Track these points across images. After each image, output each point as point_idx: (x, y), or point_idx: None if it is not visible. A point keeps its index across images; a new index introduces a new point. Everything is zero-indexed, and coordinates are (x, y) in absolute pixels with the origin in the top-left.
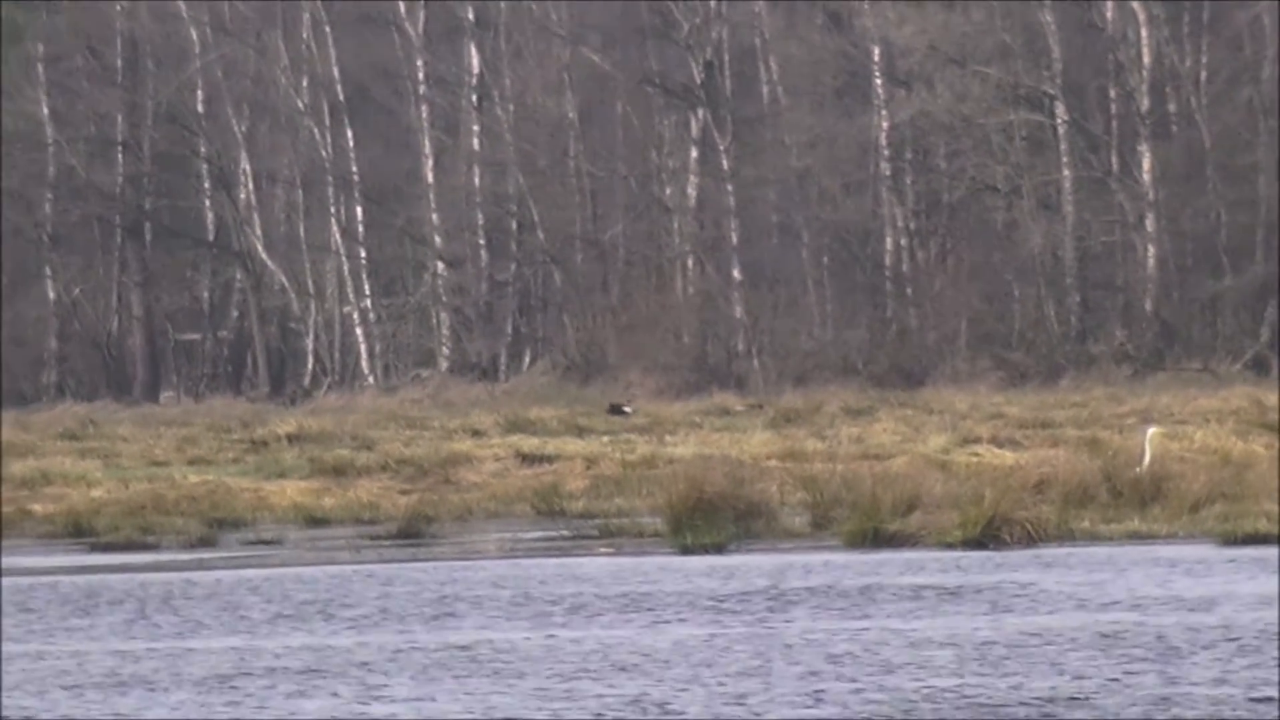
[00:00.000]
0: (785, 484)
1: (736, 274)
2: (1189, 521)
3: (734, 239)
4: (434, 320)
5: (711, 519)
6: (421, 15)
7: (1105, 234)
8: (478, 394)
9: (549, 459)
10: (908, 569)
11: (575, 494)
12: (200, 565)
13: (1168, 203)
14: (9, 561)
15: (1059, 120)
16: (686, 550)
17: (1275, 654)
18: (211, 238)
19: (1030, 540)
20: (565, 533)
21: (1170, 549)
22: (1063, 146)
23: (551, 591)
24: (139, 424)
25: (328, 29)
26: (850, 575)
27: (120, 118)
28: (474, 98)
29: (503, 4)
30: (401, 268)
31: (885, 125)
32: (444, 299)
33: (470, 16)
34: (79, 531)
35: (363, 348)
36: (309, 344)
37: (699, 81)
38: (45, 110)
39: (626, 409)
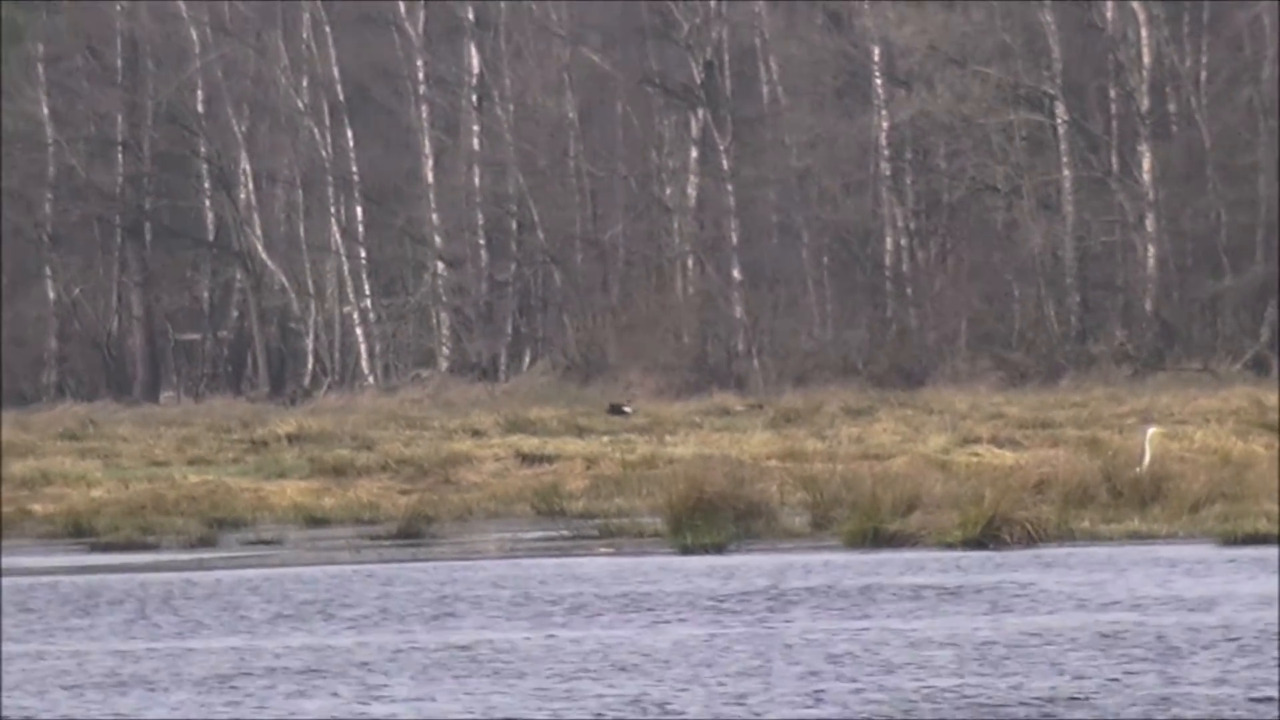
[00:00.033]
0: (785, 484)
1: (736, 274)
2: (1189, 521)
3: (734, 239)
4: (434, 320)
5: (711, 519)
6: (421, 15)
7: (1105, 234)
8: (478, 394)
9: (549, 459)
10: (908, 569)
11: (575, 494)
12: (200, 565)
13: (1168, 203)
14: (9, 561)
15: (1059, 120)
16: (686, 550)
17: (1275, 654)
18: (211, 238)
19: (1030, 540)
20: (565, 533)
21: (1170, 549)
22: (1063, 146)
23: (551, 591)
24: (139, 424)
25: (328, 29)
26: (850, 575)
27: (120, 118)
28: (474, 98)
29: (502, 4)
30: (401, 268)
31: (885, 125)
32: (444, 299)
33: (470, 16)
34: (79, 531)
35: (363, 348)
36: (309, 344)
37: (699, 81)
38: (45, 110)
39: (626, 409)
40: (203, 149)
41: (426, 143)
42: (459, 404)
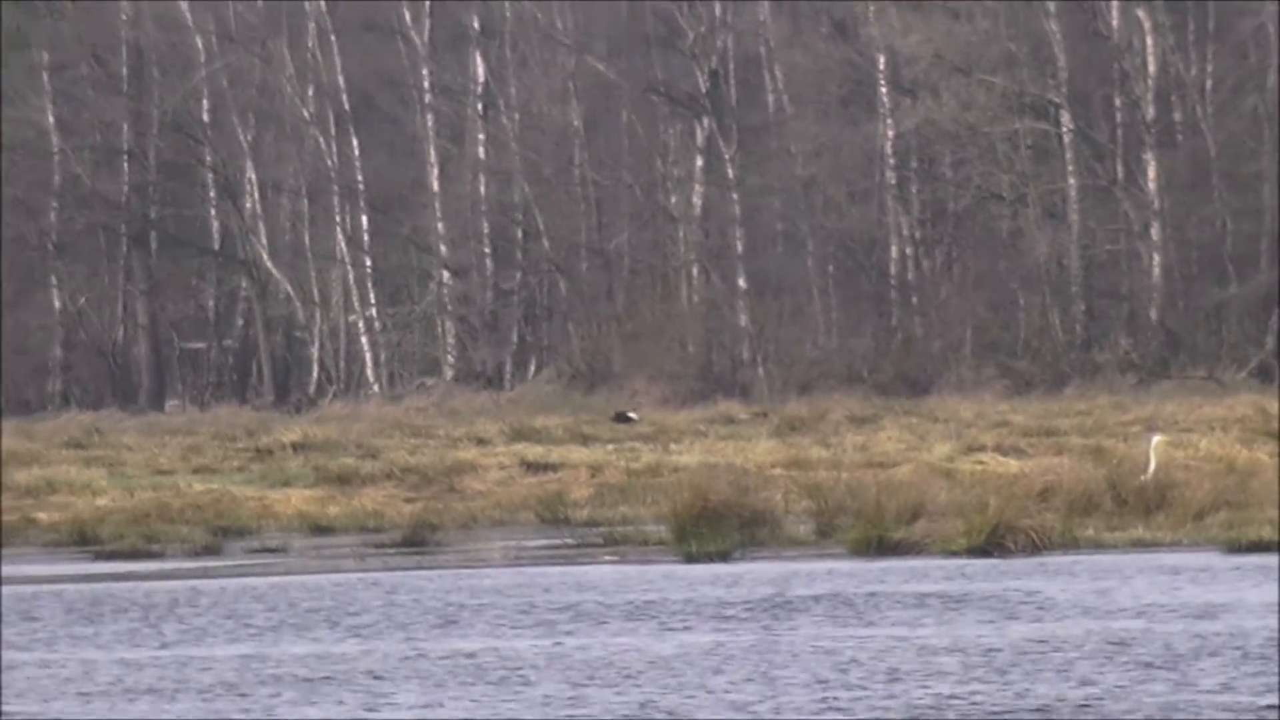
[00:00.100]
0: (790, 492)
1: (741, 282)
2: (1193, 529)
3: (739, 247)
4: (439, 329)
5: (716, 527)
6: (427, 24)
7: (1110, 242)
8: (483, 402)
9: (554, 467)
10: (912, 577)
11: (580, 502)
12: (205, 573)
13: (1173, 211)
14: (14, 570)
15: (1064, 129)
16: (691, 558)
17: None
18: (217, 246)
19: (1035, 548)
20: (570, 541)
21: (1175, 557)
22: (1068, 155)
23: (556, 599)
24: (144, 432)
25: (333, 37)
26: (855, 583)
27: (126, 126)
28: (479, 106)
29: (508, 12)
30: (407, 276)
31: (890, 134)
32: (449, 307)
33: (475, 25)
34: (84, 540)
35: (368, 356)
36: (314, 352)
37: (704, 90)
38: (50, 119)
39: (632, 415)
40: (208, 157)
41: (432, 151)
42: (464, 412)
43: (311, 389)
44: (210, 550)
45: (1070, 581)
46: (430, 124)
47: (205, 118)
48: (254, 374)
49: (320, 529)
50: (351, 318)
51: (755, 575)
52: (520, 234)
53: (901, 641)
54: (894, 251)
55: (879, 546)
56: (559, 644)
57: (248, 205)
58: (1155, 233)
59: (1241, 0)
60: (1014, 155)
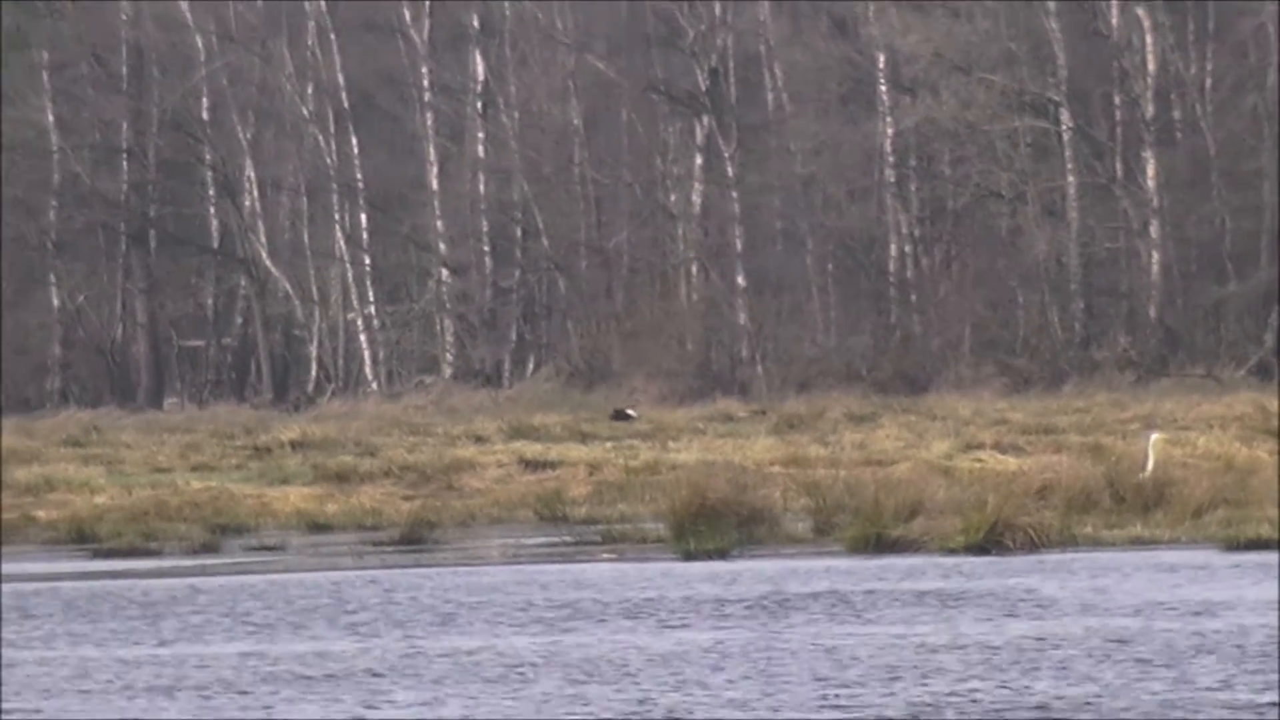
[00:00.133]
0: (788, 490)
1: (741, 280)
2: (1192, 527)
3: (738, 245)
4: (438, 327)
5: (714, 525)
6: (426, 22)
7: (1109, 240)
8: (481, 400)
9: (552, 465)
10: (910, 575)
11: (578, 500)
12: (203, 571)
13: (1172, 209)
14: (13, 568)
15: (1064, 127)
16: (689, 556)
17: (1278, 659)
18: (216, 245)
19: (1033, 546)
20: (568, 539)
21: (1173, 554)
22: (1067, 153)
23: (554, 597)
24: (142, 430)
25: (333, 36)
26: (853, 581)
27: (125, 125)
28: (479, 105)
29: (507, 11)
30: (406, 274)
31: (890, 132)
32: (448, 306)
33: (475, 23)
34: (82, 538)
35: (366, 354)
36: (313, 350)
37: (704, 88)
38: (50, 117)
39: (630, 412)
40: (207, 156)
41: (431, 150)
42: (462, 410)
43: (310, 387)
44: (208, 548)
45: (1069, 579)
46: (430, 122)
47: (205, 116)
48: (253, 372)
49: (318, 527)
50: (350, 316)
51: (753, 573)
52: (519, 232)
53: (900, 639)
54: (893, 249)
55: (877, 544)
56: (556, 642)
57: (247, 204)
58: (1154, 231)
59: (1241, 0)
60: (1013, 153)
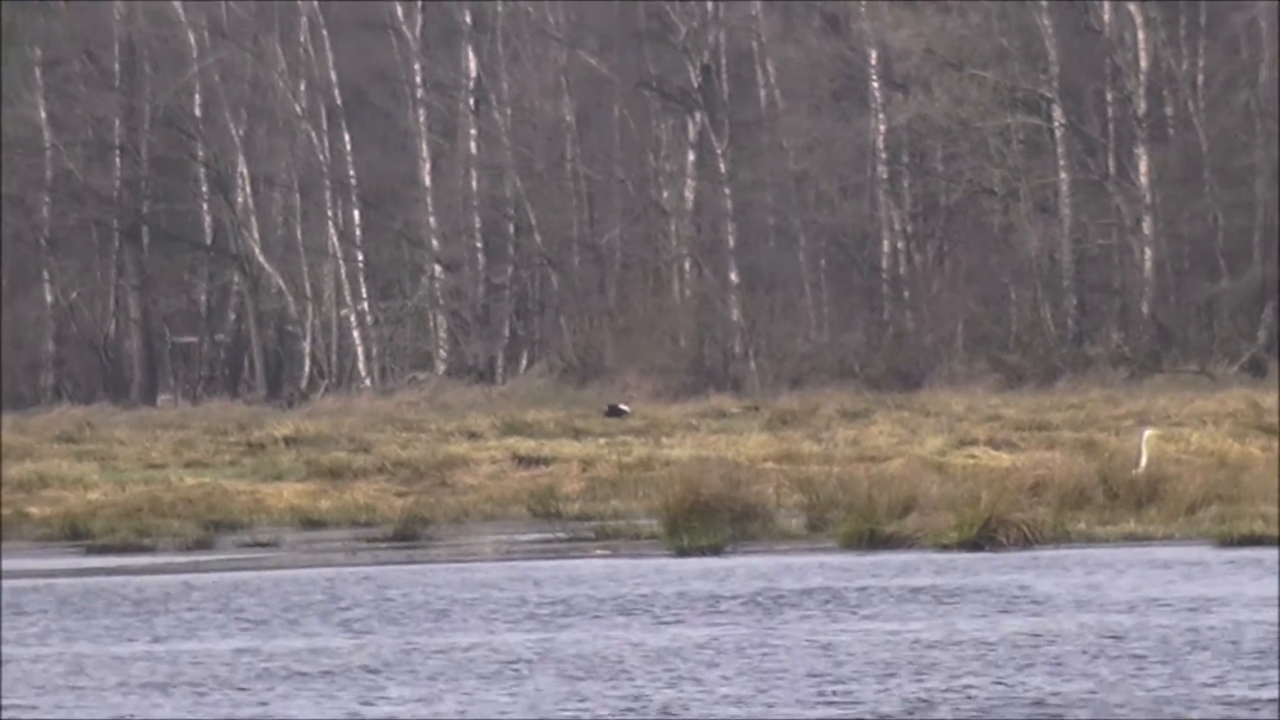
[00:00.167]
0: (781, 486)
1: (733, 277)
2: (1185, 523)
3: (731, 242)
4: (431, 323)
5: (708, 521)
6: (419, 18)
7: (1102, 237)
8: (475, 396)
9: (545, 461)
10: (904, 571)
11: (572, 496)
12: (197, 568)
13: (1165, 205)
14: (6, 564)
15: (1056, 123)
16: (683, 552)
17: (1274, 655)
18: (209, 241)
19: (1026, 542)
20: (562, 535)
21: (1167, 551)
22: (1060, 149)
23: (548, 594)
24: (136, 427)
25: (325, 32)
26: (846, 577)
27: (118, 121)
28: (471, 101)
29: (500, 7)
30: (399, 271)
31: (882, 128)
32: (441, 302)
33: (468, 20)
34: (76, 534)
35: (360, 350)
36: (306, 347)
37: (696, 85)
38: (43, 114)
39: (624, 407)
40: (200, 153)
41: (424, 146)
42: (456, 406)
43: (303, 383)
44: (202, 544)
45: (1062, 575)
46: (422, 119)
47: (197, 113)
48: (246, 368)
49: (312, 523)
50: (343, 312)
51: (747, 569)
52: (512, 228)
53: (894, 635)
54: (885, 246)
55: (870, 540)
56: (549, 638)
57: (240, 200)
58: (1147, 227)
59: None
60: (1006, 150)
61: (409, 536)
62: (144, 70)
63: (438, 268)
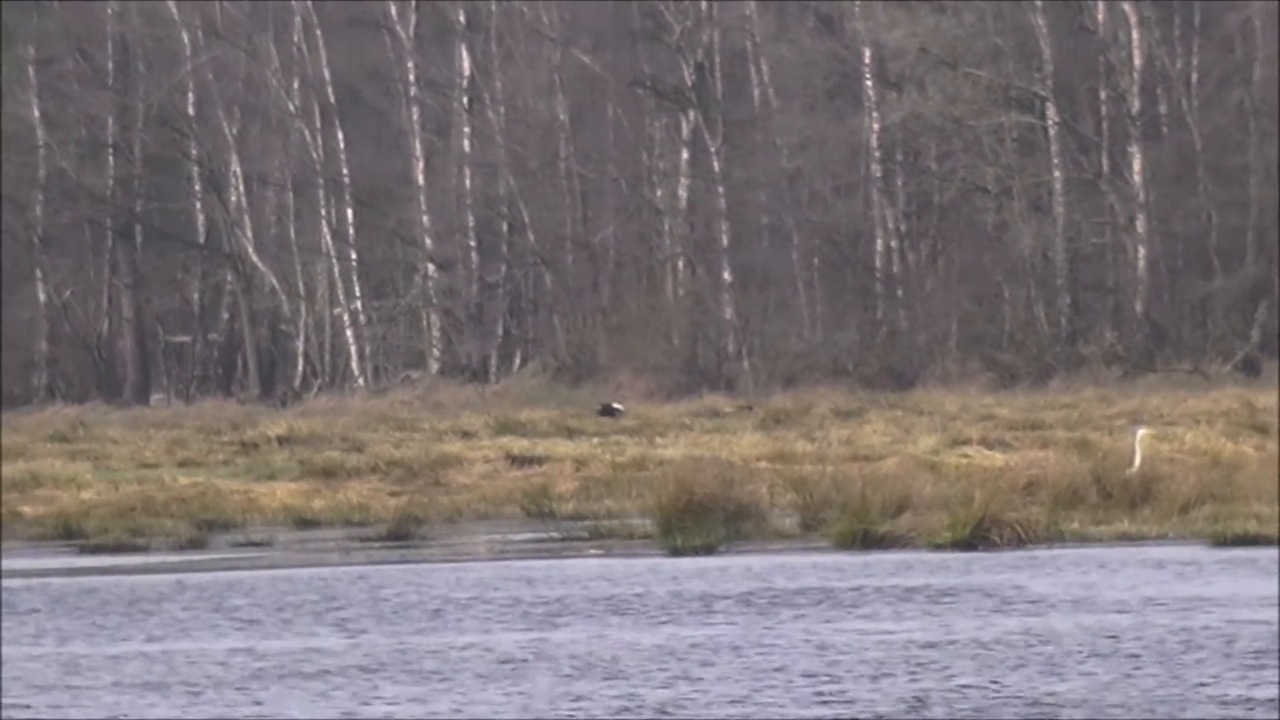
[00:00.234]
0: (775, 485)
1: (727, 276)
2: (1179, 523)
3: (725, 241)
4: (424, 322)
5: (701, 520)
6: (412, 18)
7: (1096, 235)
8: (468, 395)
9: (539, 460)
10: (897, 570)
11: (565, 496)
12: (190, 567)
13: (1158, 204)
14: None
15: (1050, 122)
16: (676, 552)
17: (1269, 655)
18: (202, 240)
19: (1020, 542)
20: (555, 534)
21: (1160, 550)
22: (1053, 148)
23: (541, 593)
24: (129, 426)
25: (318, 31)
26: (840, 577)
27: (111, 120)
28: (465, 100)
29: (494, 6)
30: (392, 270)
31: (876, 127)
32: (434, 301)
33: (461, 19)
34: (69, 533)
35: (353, 350)
36: (299, 346)
37: (690, 84)
38: (36, 113)
39: (617, 406)
40: (194, 151)
41: (417, 145)
42: (449, 406)
43: (296, 382)
44: (195, 544)
45: (1056, 575)
46: (415, 117)
47: (190, 111)
48: (239, 367)
49: (305, 522)
50: (336, 311)
51: (740, 569)
52: (505, 227)
53: (887, 635)
54: (879, 244)
55: (864, 540)
56: (543, 638)
57: (233, 199)
58: (1140, 226)
59: None
60: (999, 148)
61: (402, 536)
62: (138, 69)
63: (431, 266)
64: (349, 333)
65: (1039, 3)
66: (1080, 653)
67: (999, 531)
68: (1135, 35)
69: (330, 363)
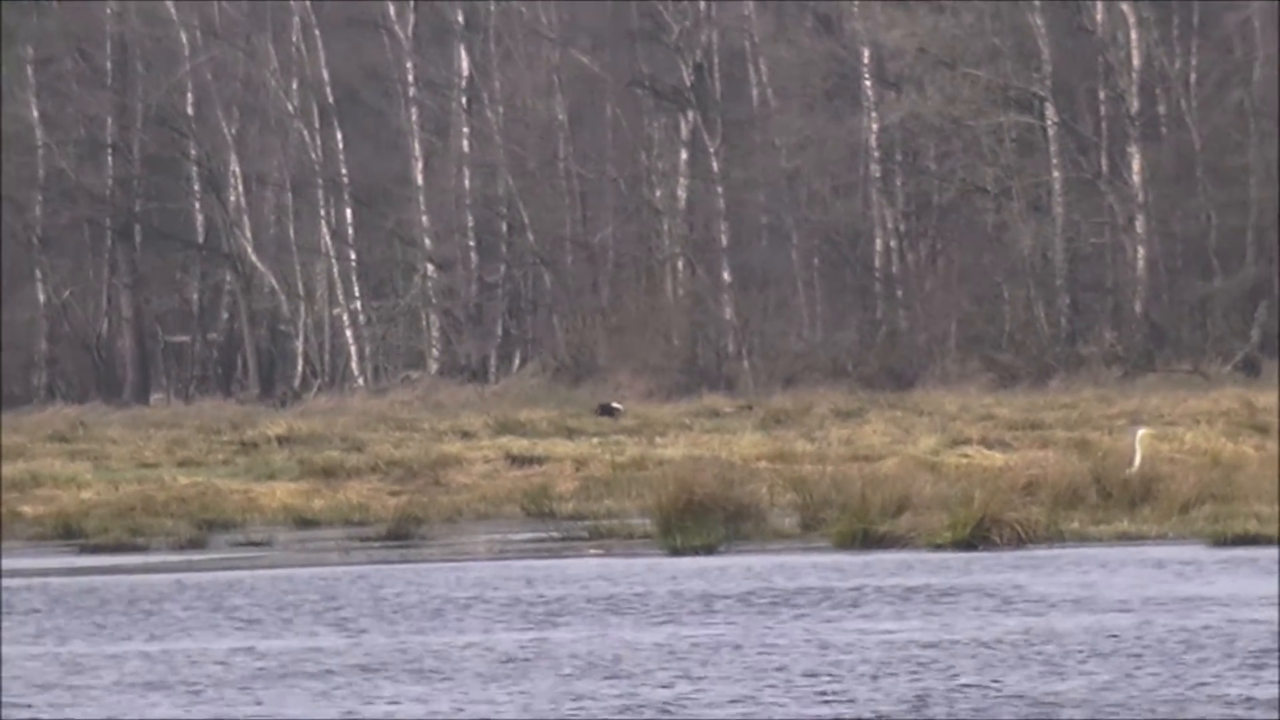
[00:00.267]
0: (775, 485)
1: (726, 276)
2: (1179, 523)
3: (724, 241)
4: (424, 322)
5: (701, 520)
6: (411, 18)
7: (1095, 235)
8: (467, 395)
9: (538, 460)
10: (897, 570)
11: (565, 495)
12: (190, 567)
13: (1157, 204)
14: None
15: (1049, 122)
16: (676, 552)
17: (1269, 655)
18: (201, 240)
19: (1020, 542)
20: (555, 534)
21: (1160, 550)
22: (1052, 148)
23: (541, 593)
24: (129, 426)
25: (317, 31)
26: (840, 577)
27: (110, 120)
28: (464, 100)
29: (492, 6)
30: (391, 270)
31: (875, 127)
32: (434, 301)
33: (460, 19)
34: (69, 533)
35: (352, 349)
36: (299, 346)
37: (689, 84)
38: (35, 113)
39: (616, 405)
40: (192, 151)
41: (416, 145)
42: (449, 406)
43: (296, 382)
44: (195, 544)
45: (1056, 575)
46: (414, 117)
47: (189, 111)
48: (238, 367)
49: (305, 522)
50: (336, 311)
51: (740, 569)
52: (505, 227)
53: (887, 635)
54: (878, 245)
55: (864, 540)
56: (543, 638)
57: (232, 199)
58: (1140, 226)
59: None
60: (998, 148)
61: (402, 536)
62: (136, 69)
63: (430, 267)
64: (348, 333)
65: (1037, 3)
66: (1080, 653)
67: (999, 531)
68: (1134, 35)
69: (330, 363)
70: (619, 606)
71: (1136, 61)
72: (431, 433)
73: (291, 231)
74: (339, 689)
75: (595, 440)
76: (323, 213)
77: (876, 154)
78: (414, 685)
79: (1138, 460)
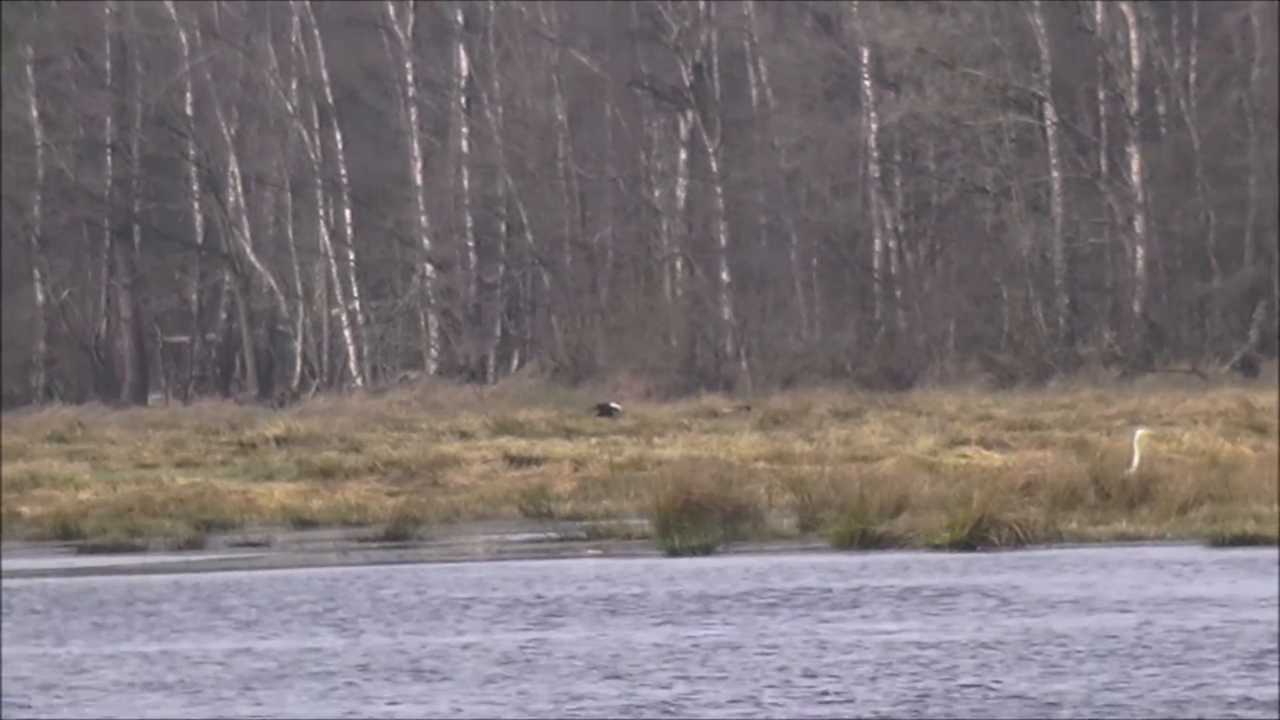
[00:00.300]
0: (773, 486)
1: (725, 276)
2: (1177, 523)
3: (723, 241)
4: (422, 322)
5: (699, 521)
6: (410, 18)
7: (1094, 235)
8: (466, 396)
9: (537, 461)
10: (896, 571)
11: (563, 496)
12: (188, 567)
13: (1157, 204)
14: None
15: (1048, 122)
16: (674, 552)
17: (1268, 655)
18: (200, 240)
19: (1018, 542)
20: (553, 535)
21: (1159, 550)
22: (1052, 148)
23: (539, 594)
24: (127, 426)
25: (316, 32)
26: (838, 577)
27: (109, 120)
28: (463, 100)
29: (491, 6)
30: (390, 270)
31: (874, 127)
32: (432, 301)
33: (459, 19)
34: (67, 534)
35: (351, 350)
36: (297, 346)
37: (688, 84)
38: (34, 113)
39: (615, 405)
40: (192, 151)
41: (415, 145)
42: (447, 406)
43: (295, 383)
44: (193, 544)
45: (1054, 575)
46: (414, 118)
47: (189, 111)
48: (237, 368)
49: (303, 523)
50: (334, 311)
51: (738, 569)
52: (504, 227)
53: (886, 635)
54: (877, 245)
55: (862, 540)
56: (541, 638)
57: (231, 199)
58: (1139, 226)
59: None
60: (998, 149)
61: (400, 536)
62: (135, 69)
63: (429, 267)
64: (347, 333)
65: (1037, 3)
66: (1079, 653)
67: (997, 532)
68: (1133, 35)
69: (328, 363)
70: (617, 607)
71: (1136, 61)
72: (430, 433)
73: (290, 232)
74: (338, 689)
75: (593, 440)
76: (322, 213)
77: (876, 154)
78: (413, 685)
79: (1136, 461)
